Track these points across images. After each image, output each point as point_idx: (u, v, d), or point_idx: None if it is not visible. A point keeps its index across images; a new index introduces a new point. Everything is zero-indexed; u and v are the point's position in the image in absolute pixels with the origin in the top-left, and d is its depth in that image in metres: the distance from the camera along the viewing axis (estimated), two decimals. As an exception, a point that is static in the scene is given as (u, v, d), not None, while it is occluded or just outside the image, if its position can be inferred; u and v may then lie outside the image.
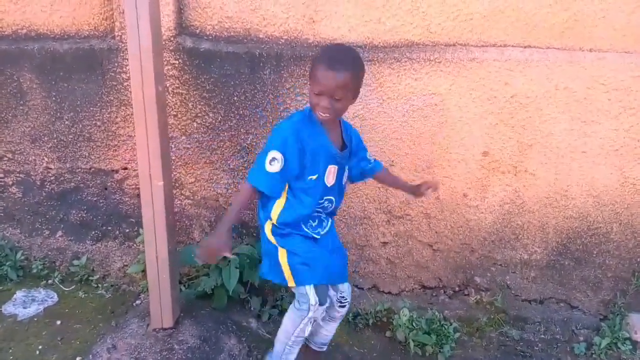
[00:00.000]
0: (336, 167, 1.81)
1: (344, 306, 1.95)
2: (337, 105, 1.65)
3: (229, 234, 1.69)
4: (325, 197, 1.84)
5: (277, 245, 1.84)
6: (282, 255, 1.82)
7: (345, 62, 1.64)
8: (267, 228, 1.86)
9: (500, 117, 2.29)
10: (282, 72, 2.29)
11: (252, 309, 2.43)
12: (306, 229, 1.84)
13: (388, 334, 2.40)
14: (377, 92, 2.28)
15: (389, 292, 2.58)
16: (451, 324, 2.38)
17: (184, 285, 2.49)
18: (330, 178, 1.81)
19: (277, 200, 1.82)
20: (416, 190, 2.01)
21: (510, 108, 2.28)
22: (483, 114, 2.28)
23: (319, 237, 1.87)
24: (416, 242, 2.50)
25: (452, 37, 2.26)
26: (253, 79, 2.31)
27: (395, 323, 2.36)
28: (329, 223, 1.93)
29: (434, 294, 2.58)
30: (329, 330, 2.02)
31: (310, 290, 1.78)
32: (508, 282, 2.53)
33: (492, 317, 2.47)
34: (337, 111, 1.68)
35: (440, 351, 2.29)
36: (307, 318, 1.82)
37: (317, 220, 1.87)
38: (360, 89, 1.73)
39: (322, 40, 2.29)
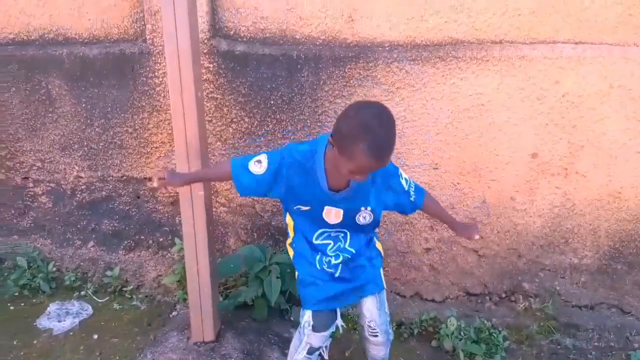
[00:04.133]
0: (339, 210, 1.63)
1: (375, 336, 1.79)
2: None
3: (183, 182, 1.75)
4: (325, 229, 1.70)
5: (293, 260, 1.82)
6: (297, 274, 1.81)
7: (391, 146, 1.39)
8: (288, 241, 1.84)
9: (551, 117, 2.18)
10: (320, 73, 2.20)
11: (292, 319, 2.35)
12: (317, 263, 1.74)
13: (434, 343, 2.30)
14: (420, 92, 2.17)
15: (432, 300, 2.49)
16: (500, 332, 2.29)
17: (221, 296, 2.41)
18: (331, 217, 1.66)
19: (287, 216, 1.77)
20: (457, 230, 1.81)
21: (561, 108, 2.16)
22: (532, 114, 2.17)
23: (332, 270, 1.74)
24: (460, 247, 2.40)
25: (499, 34, 2.15)
26: (290, 82, 2.22)
27: (443, 332, 2.26)
28: (347, 245, 1.75)
29: (479, 301, 2.48)
30: (376, 350, 1.88)
31: (307, 314, 1.73)
32: (557, 288, 2.43)
33: (542, 324, 2.36)
34: None
35: (490, 361, 2.20)
36: (304, 342, 1.76)
37: (327, 255, 1.73)
38: None
39: (361, 40, 2.19)
